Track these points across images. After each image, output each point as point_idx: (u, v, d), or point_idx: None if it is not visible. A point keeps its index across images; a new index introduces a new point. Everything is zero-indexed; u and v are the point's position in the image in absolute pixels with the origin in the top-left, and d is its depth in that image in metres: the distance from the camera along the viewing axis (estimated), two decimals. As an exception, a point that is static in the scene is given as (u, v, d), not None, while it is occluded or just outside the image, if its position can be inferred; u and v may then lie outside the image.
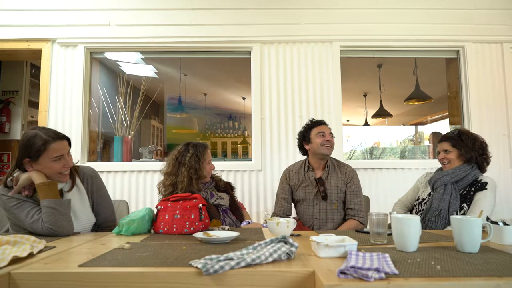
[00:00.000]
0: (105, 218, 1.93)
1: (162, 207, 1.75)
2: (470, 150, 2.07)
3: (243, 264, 1.02)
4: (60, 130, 1.81)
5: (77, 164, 1.91)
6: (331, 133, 2.41)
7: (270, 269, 1.02)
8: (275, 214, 2.46)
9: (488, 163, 2.12)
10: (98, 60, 3.72)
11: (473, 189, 2.03)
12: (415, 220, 1.25)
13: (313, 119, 2.51)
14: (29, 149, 1.66)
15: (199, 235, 1.47)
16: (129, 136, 3.60)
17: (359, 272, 0.91)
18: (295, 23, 3.45)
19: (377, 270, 0.92)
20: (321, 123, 2.45)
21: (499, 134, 3.39)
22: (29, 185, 1.69)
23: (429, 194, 2.17)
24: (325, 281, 0.89)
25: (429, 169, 3.16)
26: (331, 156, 2.44)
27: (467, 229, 1.23)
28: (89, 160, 3.43)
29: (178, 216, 1.69)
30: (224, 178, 2.99)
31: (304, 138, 2.45)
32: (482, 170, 2.11)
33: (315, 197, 2.35)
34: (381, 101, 5.96)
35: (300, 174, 2.44)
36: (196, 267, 1.00)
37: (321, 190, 2.31)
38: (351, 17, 3.47)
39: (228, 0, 3.46)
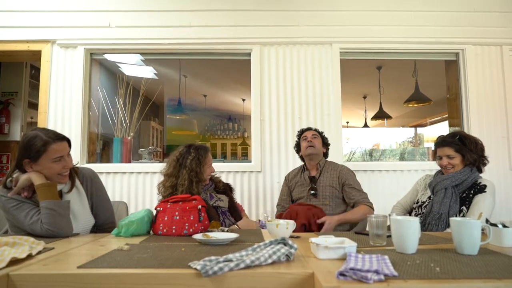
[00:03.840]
0: (105, 219, 1.93)
1: (161, 209, 1.75)
2: (473, 153, 2.07)
3: (242, 265, 1.02)
4: (59, 131, 1.81)
5: (76, 166, 1.91)
6: (314, 135, 2.60)
7: (269, 271, 1.02)
8: (277, 212, 2.64)
9: (485, 164, 2.13)
10: (98, 62, 3.72)
11: (472, 191, 2.03)
12: (414, 222, 1.25)
13: (302, 129, 2.73)
14: (29, 149, 1.66)
15: (198, 236, 1.47)
16: (129, 138, 3.60)
17: (358, 274, 0.91)
18: (295, 25, 3.46)
19: (377, 272, 0.92)
20: (305, 130, 2.68)
21: (498, 136, 3.39)
22: (28, 186, 1.68)
23: (429, 198, 2.16)
24: (324, 283, 0.89)
25: (429, 171, 3.16)
26: (327, 159, 2.64)
27: (467, 231, 1.23)
28: (89, 161, 3.43)
29: (178, 217, 1.69)
30: (224, 179, 2.99)
31: (298, 147, 2.69)
32: (481, 171, 2.12)
33: (308, 194, 2.48)
34: (380, 103, 5.97)
35: (297, 176, 2.63)
36: (195, 269, 1.00)
37: (312, 187, 2.46)
38: (350, 19, 3.47)
39: (228, 2, 3.47)
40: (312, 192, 2.45)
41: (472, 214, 1.93)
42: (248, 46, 3.46)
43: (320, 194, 2.43)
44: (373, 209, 2.36)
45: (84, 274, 1.01)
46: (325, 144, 2.65)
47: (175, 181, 2.13)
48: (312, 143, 2.54)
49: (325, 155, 2.66)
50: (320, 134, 2.65)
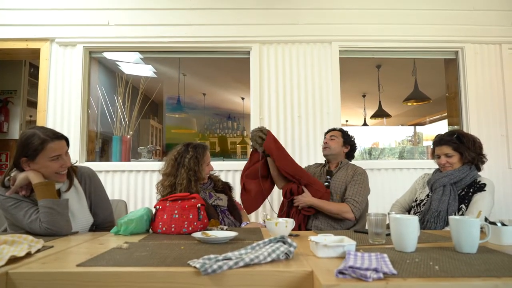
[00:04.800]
0: (104, 218, 1.93)
1: (160, 207, 1.75)
2: (471, 152, 2.08)
3: (241, 264, 1.02)
4: (58, 129, 1.80)
5: (75, 165, 1.90)
6: (332, 136, 2.61)
7: (269, 269, 1.02)
8: None
9: (484, 162, 2.13)
10: (97, 60, 3.71)
11: (471, 190, 2.03)
12: (413, 220, 1.25)
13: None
14: (27, 148, 1.65)
15: (197, 235, 1.47)
16: (128, 136, 3.60)
17: (358, 272, 0.91)
18: (294, 23, 3.45)
19: (376, 270, 0.92)
20: (327, 133, 2.71)
21: (497, 135, 3.39)
22: (26, 185, 1.68)
23: (427, 195, 2.17)
24: (324, 281, 0.89)
25: (428, 169, 3.16)
26: (351, 162, 2.65)
27: (466, 229, 1.23)
28: (88, 160, 3.43)
29: (177, 216, 1.69)
30: (223, 178, 2.98)
31: None
32: (479, 169, 2.12)
33: None
34: (380, 102, 5.97)
35: (318, 168, 2.68)
36: (194, 267, 1.00)
37: (327, 179, 2.49)
38: (350, 17, 3.47)
39: (227, 0, 3.46)
40: (326, 184, 2.46)
41: (471, 212, 1.94)
42: (247, 44, 3.46)
43: (332, 188, 2.44)
44: (354, 212, 2.30)
45: (83, 272, 1.01)
46: (348, 144, 2.60)
47: (174, 180, 2.12)
48: (327, 145, 2.56)
49: (349, 155, 2.64)
50: (343, 134, 2.62)
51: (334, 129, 2.70)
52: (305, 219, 2.39)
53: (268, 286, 0.99)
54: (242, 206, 2.51)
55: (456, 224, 1.26)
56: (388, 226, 1.36)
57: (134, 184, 3.32)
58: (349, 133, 2.68)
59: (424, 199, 2.17)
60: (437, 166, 2.23)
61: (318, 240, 1.19)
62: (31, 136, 1.66)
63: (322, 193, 2.36)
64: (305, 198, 2.34)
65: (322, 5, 3.48)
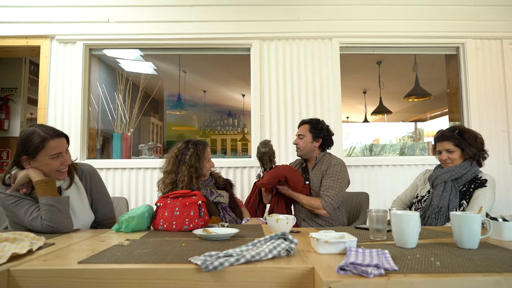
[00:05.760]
0: (104, 215, 1.93)
1: (161, 204, 1.75)
2: (472, 147, 2.07)
3: (242, 260, 1.02)
4: (59, 127, 1.80)
5: (75, 162, 1.90)
6: (300, 135, 2.51)
7: (270, 266, 1.02)
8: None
9: (485, 158, 2.13)
10: (97, 57, 3.71)
11: (472, 186, 2.03)
12: (414, 216, 1.25)
13: None
14: (27, 146, 1.65)
15: (198, 231, 1.47)
16: (129, 133, 3.60)
17: (359, 268, 0.91)
18: (294, 19, 3.44)
19: (377, 266, 0.92)
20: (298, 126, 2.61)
21: (498, 131, 3.39)
22: (26, 182, 1.68)
23: (428, 192, 2.17)
24: (325, 278, 0.89)
25: (429, 166, 3.16)
26: (328, 152, 2.57)
27: (467, 225, 1.23)
28: (89, 157, 3.43)
29: (178, 213, 1.69)
30: (224, 175, 2.98)
31: None
32: (480, 165, 2.12)
33: None
34: (380, 98, 5.96)
35: (297, 167, 2.62)
36: (196, 264, 1.00)
37: (306, 177, 2.47)
38: (350, 13, 3.46)
39: (228, -3, 3.45)
40: (307, 182, 2.45)
41: (472, 208, 1.94)
42: (248, 41, 3.45)
43: (312, 187, 2.43)
44: (325, 208, 2.26)
45: (85, 269, 1.01)
46: (318, 137, 2.47)
47: (175, 177, 2.12)
48: (297, 146, 2.52)
49: (325, 146, 2.52)
50: (311, 127, 2.48)
51: (303, 122, 2.55)
52: (288, 207, 2.45)
53: (269, 283, 0.99)
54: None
55: (457, 220, 1.25)
56: (389, 222, 1.36)
57: (135, 181, 3.32)
58: (319, 121, 2.51)
59: (425, 195, 2.17)
60: (438, 163, 2.23)
61: (319, 236, 1.19)
62: (31, 134, 1.66)
63: (299, 190, 2.37)
64: (284, 191, 2.39)
65: (323, 1, 3.47)
